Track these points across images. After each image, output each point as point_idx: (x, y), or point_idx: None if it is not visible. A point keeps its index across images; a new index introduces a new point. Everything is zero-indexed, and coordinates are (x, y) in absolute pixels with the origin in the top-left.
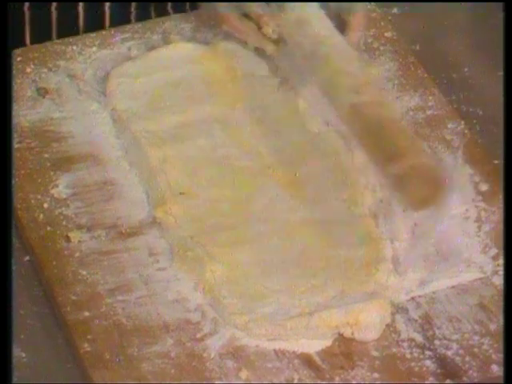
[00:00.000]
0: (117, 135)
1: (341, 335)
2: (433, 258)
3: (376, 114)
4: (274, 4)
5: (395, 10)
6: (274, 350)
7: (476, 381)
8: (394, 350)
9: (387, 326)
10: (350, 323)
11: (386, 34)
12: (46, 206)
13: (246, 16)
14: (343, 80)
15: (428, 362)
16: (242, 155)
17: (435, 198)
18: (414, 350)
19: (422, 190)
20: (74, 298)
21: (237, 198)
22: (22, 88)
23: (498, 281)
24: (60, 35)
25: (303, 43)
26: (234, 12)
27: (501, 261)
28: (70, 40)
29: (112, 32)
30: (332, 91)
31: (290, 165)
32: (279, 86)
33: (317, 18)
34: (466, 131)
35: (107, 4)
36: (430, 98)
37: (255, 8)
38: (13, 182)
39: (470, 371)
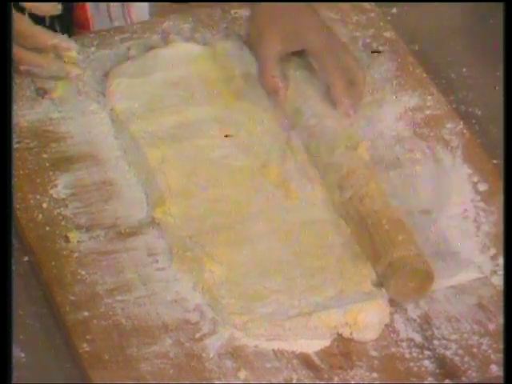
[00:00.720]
0: (116, 135)
1: (339, 335)
2: (432, 257)
3: (356, 212)
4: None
5: (394, 10)
6: (273, 350)
7: (475, 381)
8: (393, 349)
9: (386, 325)
10: (348, 323)
11: (384, 34)
12: (44, 206)
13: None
14: (331, 176)
15: (427, 362)
16: (240, 155)
17: (421, 288)
18: (413, 349)
19: (403, 286)
20: (72, 298)
21: (235, 197)
22: (21, 88)
23: (497, 281)
24: None
25: (302, 134)
26: None
27: (500, 261)
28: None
29: (111, 32)
30: (327, 188)
31: (287, 164)
32: None
33: (309, 102)
34: (465, 131)
35: None
36: (429, 97)
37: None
38: (12, 182)
39: (469, 371)
